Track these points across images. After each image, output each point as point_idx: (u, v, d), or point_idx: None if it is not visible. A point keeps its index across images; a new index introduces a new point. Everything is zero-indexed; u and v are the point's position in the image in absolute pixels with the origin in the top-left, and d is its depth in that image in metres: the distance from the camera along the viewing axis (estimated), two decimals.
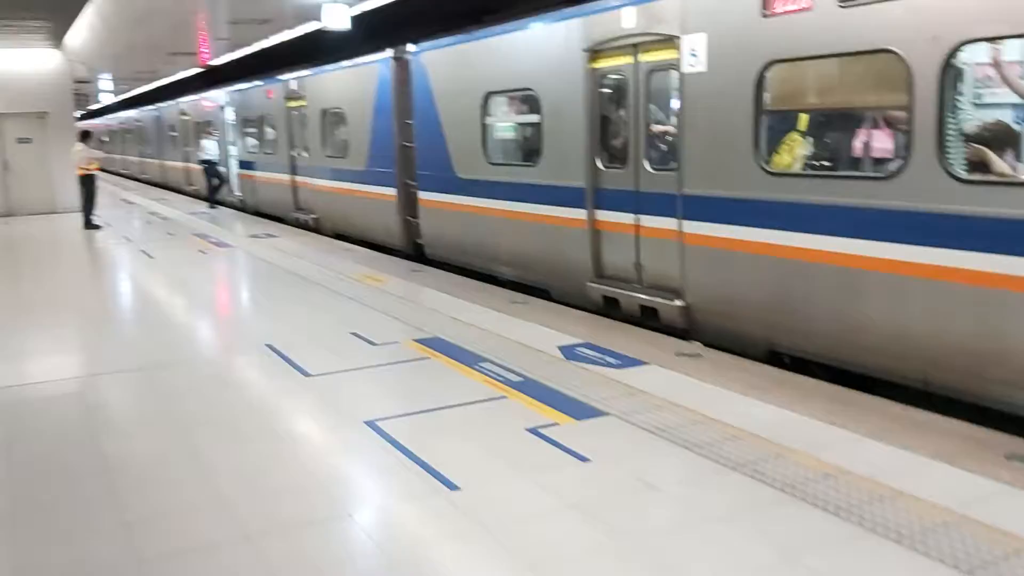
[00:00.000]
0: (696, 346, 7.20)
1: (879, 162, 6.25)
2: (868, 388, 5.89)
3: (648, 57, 7.81)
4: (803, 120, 6.76)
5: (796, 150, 6.76)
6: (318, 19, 13.61)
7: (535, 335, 7.62)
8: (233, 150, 21.64)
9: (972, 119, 5.84)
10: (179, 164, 27.46)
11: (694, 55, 7.14)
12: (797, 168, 6.69)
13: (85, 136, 18.85)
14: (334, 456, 5.16)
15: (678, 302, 7.54)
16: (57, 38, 19.74)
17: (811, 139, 6.78)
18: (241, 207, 21.04)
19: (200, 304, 10.24)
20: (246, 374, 7.07)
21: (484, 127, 10.45)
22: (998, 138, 5.73)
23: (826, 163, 6.75)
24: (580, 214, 8.71)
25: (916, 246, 5.56)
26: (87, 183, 17.51)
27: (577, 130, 8.65)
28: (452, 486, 4.51)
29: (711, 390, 5.92)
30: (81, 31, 18.68)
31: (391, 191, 12.99)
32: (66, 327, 9.16)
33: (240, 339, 8.39)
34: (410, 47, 12.17)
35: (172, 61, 23.30)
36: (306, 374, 6.72)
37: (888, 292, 5.78)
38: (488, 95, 10.29)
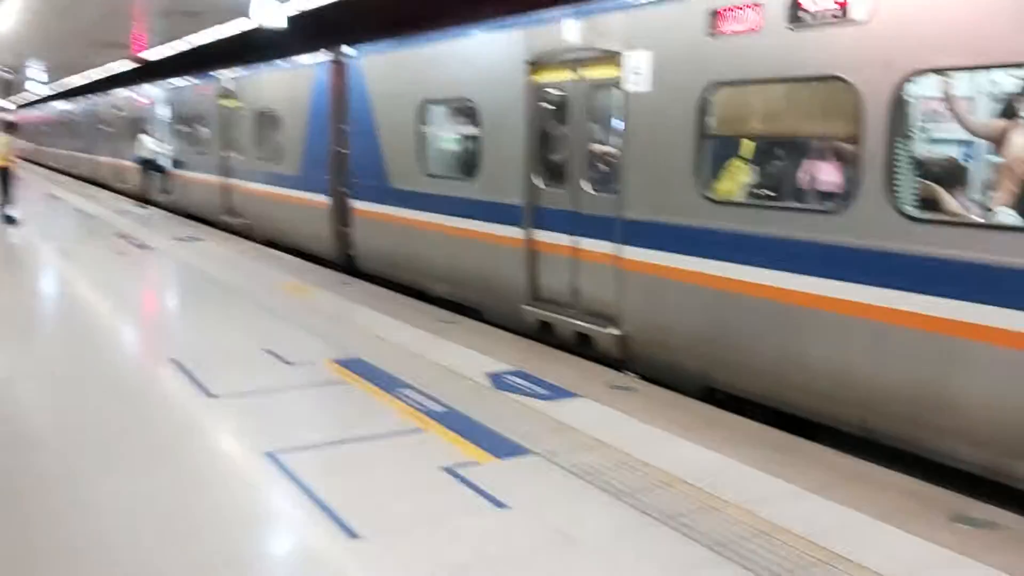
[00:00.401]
0: (630, 378, 6.85)
1: (825, 195, 5.98)
2: (811, 435, 5.58)
3: (591, 73, 7.47)
4: (747, 147, 6.49)
5: (739, 178, 6.49)
6: (248, 15, 13.03)
7: (463, 359, 7.20)
8: (166, 148, 20.84)
9: (924, 154, 5.61)
10: (111, 160, 26.44)
11: (637, 73, 6.82)
12: (739, 197, 6.41)
13: (10, 127, 17.94)
14: (228, 493, 4.66)
15: (614, 330, 7.19)
16: None
17: (755, 167, 6.51)
18: (171, 208, 20.24)
19: (109, 310, 9.57)
20: (144, 391, 6.51)
21: (421, 137, 10.02)
22: (950, 175, 5.50)
23: (770, 193, 6.47)
24: (517, 233, 8.32)
25: (859, 284, 5.29)
26: (4, 175, 16.62)
27: (516, 145, 8.27)
28: (353, 533, 4.07)
29: (643, 429, 5.56)
30: (7, 15, 17.82)
31: (324, 199, 12.46)
32: None
33: (144, 351, 7.83)
34: (349, 50, 11.71)
35: (105, 53, 22.45)
36: (210, 394, 6.20)
37: (827, 331, 5.50)
38: (425, 103, 9.88)
